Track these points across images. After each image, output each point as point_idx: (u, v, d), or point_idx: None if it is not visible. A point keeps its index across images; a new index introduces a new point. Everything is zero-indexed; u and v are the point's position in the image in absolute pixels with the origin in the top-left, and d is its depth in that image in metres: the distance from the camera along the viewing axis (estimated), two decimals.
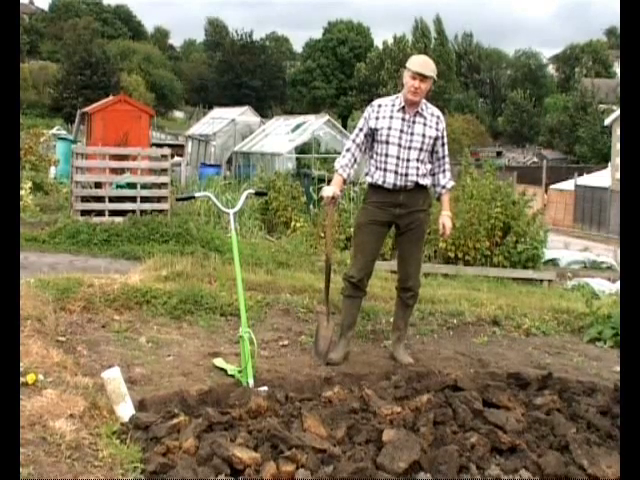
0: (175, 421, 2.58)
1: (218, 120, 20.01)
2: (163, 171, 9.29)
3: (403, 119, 3.65)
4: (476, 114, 45.74)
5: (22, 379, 2.62)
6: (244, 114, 20.04)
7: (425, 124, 3.67)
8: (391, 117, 3.66)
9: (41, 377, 2.71)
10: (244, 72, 47.61)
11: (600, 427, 2.78)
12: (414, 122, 3.65)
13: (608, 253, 13.40)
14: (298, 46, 60.99)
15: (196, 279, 4.86)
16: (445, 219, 3.80)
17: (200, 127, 21.67)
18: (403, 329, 3.89)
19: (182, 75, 51.93)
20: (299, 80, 50.58)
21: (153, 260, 5.46)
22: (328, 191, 3.66)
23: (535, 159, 38.99)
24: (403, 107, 3.65)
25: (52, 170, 14.37)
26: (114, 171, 9.14)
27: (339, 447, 2.47)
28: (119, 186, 9.17)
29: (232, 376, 3.33)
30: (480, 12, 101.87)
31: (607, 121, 24.86)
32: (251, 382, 3.13)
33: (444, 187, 3.83)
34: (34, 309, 3.72)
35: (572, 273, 10.27)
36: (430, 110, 3.72)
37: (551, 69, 58.39)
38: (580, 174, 23.91)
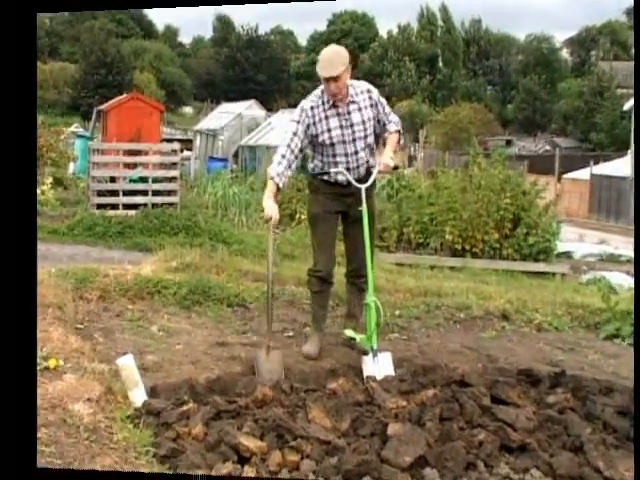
0: (184, 408, 2.63)
1: (225, 114, 20.12)
2: (173, 165, 9.49)
3: (338, 114, 3.45)
4: (484, 102, 44.68)
5: (45, 364, 2.75)
6: (250, 108, 20.11)
7: (360, 108, 3.47)
8: (327, 117, 3.46)
9: (61, 362, 2.83)
10: (250, 66, 47.50)
11: (618, 428, 2.62)
12: (349, 112, 3.45)
13: (627, 245, 11.91)
14: (303, 39, 60.64)
15: (204, 270, 4.92)
16: (386, 159, 3.43)
17: (208, 122, 21.79)
18: (360, 317, 3.67)
19: (191, 71, 52.02)
20: (303, 73, 50.23)
21: (164, 252, 5.53)
22: (271, 209, 3.27)
23: (547, 147, 37.85)
24: (334, 103, 3.44)
25: (71, 166, 14.58)
26: (127, 166, 9.35)
27: (343, 439, 2.45)
28: (132, 180, 9.39)
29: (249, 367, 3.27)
30: None
31: (626, 106, 22.81)
32: (375, 346, 3.25)
33: (388, 130, 3.54)
34: (55, 297, 3.84)
35: (587, 266, 9.56)
36: (359, 89, 3.48)
37: (565, 53, 54.44)
38: (596, 162, 21.68)
